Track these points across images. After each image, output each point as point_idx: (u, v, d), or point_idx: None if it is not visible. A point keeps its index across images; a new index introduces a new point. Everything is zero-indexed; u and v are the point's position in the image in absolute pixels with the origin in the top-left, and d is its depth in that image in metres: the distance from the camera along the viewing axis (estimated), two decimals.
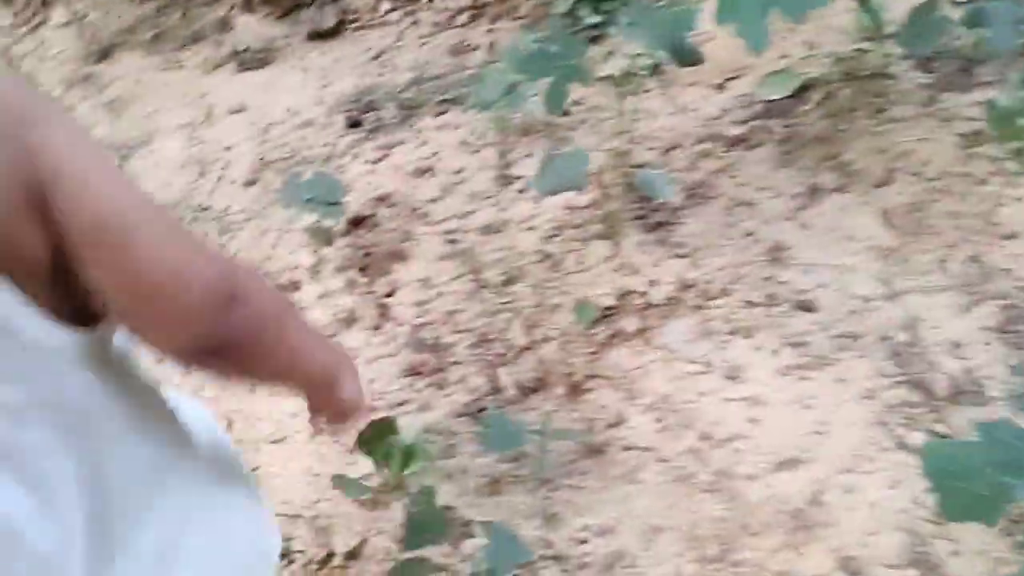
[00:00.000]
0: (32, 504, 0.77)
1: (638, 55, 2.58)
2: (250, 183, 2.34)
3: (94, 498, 0.85)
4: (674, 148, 2.29)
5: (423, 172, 2.24)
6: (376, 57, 2.58)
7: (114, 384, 0.86)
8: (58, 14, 2.70)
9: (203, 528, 1.02)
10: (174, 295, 0.79)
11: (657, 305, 2.00)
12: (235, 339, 0.85)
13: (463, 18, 2.61)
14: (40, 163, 0.72)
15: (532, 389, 1.95)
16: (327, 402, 1.04)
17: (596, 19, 2.59)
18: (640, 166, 2.12)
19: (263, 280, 0.92)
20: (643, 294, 2.00)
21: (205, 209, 2.31)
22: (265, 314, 0.87)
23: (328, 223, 1.95)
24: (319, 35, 2.60)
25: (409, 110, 2.45)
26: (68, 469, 0.81)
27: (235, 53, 2.58)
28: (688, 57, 1.75)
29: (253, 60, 2.56)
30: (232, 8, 2.65)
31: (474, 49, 2.60)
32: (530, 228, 2.13)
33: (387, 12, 2.62)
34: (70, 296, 0.78)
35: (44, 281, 0.76)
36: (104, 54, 2.60)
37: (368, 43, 2.61)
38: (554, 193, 1.91)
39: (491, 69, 2.00)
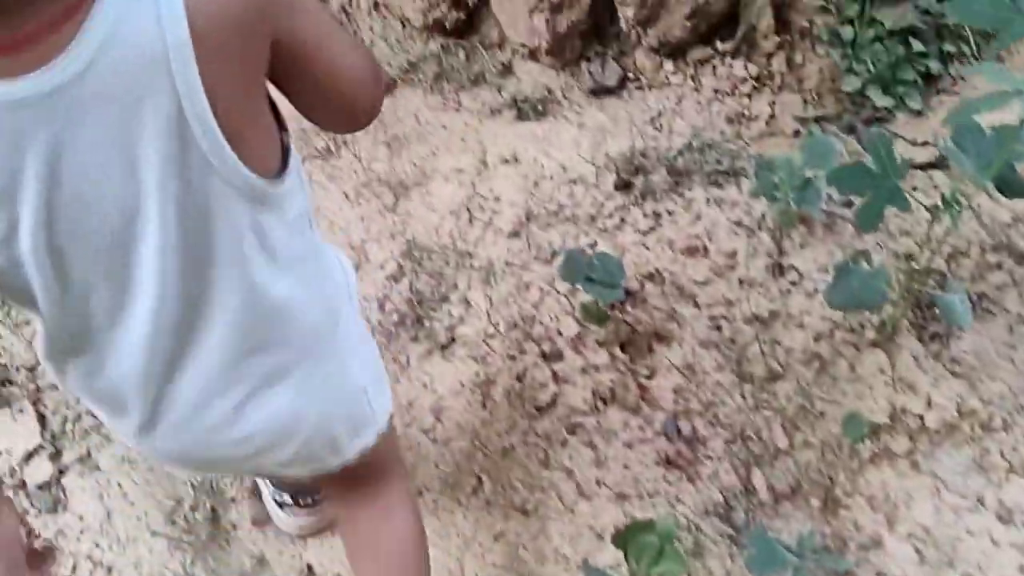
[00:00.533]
0: None
1: (924, 143, 2.54)
2: (514, 235, 2.44)
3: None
4: (960, 255, 2.24)
5: (694, 251, 2.28)
6: (653, 119, 2.63)
7: (288, 224, 1.11)
8: None
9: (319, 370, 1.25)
10: (362, 89, 1.11)
11: (931, 429, 1.97)
12: (380, 103, 1.17)
13: (746, 87, 2.63)
14: (284, 8, 0.98)
15: (785, 496, 1.96)
16: None
17: (886, 102, 2.55)
18: (925, 272, 2.08)
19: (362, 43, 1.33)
20: (917, 416, 1.98)
21: (469, 256, 2.41)
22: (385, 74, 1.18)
23: (604, 303, 2.02)
24: (599, 91, 2.67)
25: (680, 176, 2.49)
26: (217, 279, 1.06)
27: (514, 101, 2.68)
28: (1018, 190, 1.71)
29: (531, 110, 2.66)
30: (515, 54, 2.75)
31: (753, 119, 2.61)
32: (800, 325, 2.14)
33: (670, 74, 2.66)
34: (271, 131, 1.06)
35: (259, 107, 1.03)
36: (387, 87, 2.75)
37: (647, 104, 2.66)
38: (847, 309, 1.91)
39: (783, 159, 2.01)
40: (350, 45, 1.12)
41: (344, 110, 1.15)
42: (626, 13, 2.56)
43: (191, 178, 0.95)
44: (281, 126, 1.11)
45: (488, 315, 2.29)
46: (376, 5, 2.88)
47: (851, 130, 2.60)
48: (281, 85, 1.06)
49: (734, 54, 2.67)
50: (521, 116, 2.69)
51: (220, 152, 0.95)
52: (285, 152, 1.10)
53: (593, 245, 2.39)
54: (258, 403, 1.20)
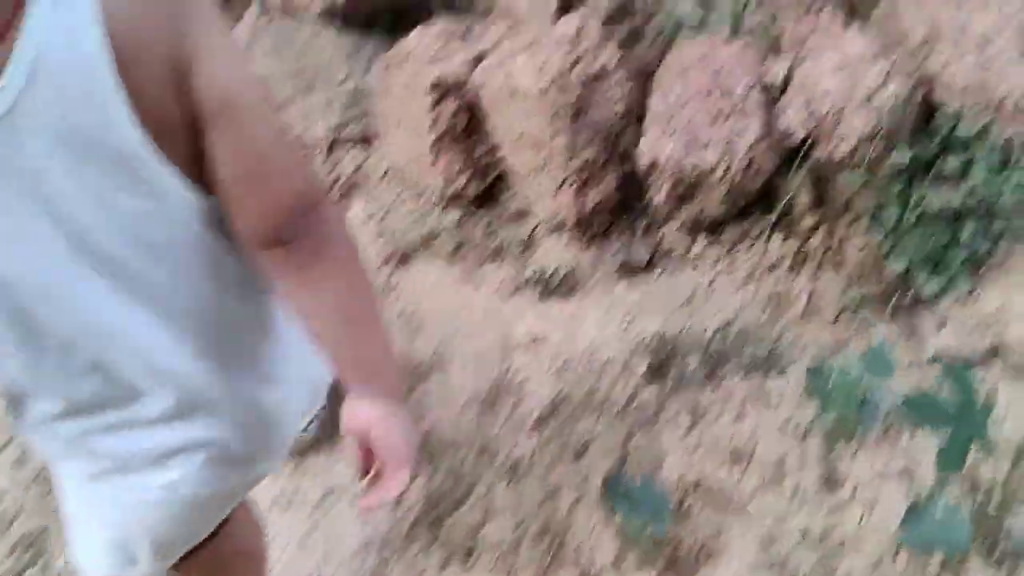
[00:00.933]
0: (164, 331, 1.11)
1: (974, 328, 2.44)
2: (540, 425, 2.31)
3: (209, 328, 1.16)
4: None
5: (740, 457, 2.15)
6: (685, 300, 2.52)
7: (221, 247, 1.11)
8: (358, 208, 2.78)
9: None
10: (272, 180, 1.04)
11: None
12: (304, 239, 1.07)
13: (784, 267, 2.52)
14: (186, 46, 0.95)
15: None
16: (370, 424, 1.16)
17: (935, 287, 2.44)
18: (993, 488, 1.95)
19: (345, 222, 1.18)
20: None
21: (492, 451, 2.28)
22: (334, 238, 1.10)
23: (654, 532, 1.88)
24: (628, 268, 2.55)
25: (716, 364, 2.38)
26: (188, 302, 1.12)
27: (538, 277, 2.56)
28: None
29: (556, 287, 2.55)
30: (538, 226, 2.64)
31: (792, 301, 2.50)
32: (857, 548, 1.99)
33: (703, 251, 2.55)
34: (202, 169, 1.02)
35: (184, 151, 0.99)
36: (403, 259, 2.64)
37: (679, 283, 2.56)
38: (927, 550, 1.77)
39: (838, 371, 1.89)
40: (282, 134, 1.07)
41: (254, 200, 1.06)
42: (659, 194, 2.46)
43: (132, 203, 0.98)
44: None
45: (514, 521, 2.14)
46: (388, 173, 2.78)
47: (896, 314, 2.49)
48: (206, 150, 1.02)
49: (771, 231, 2.57)
50: (546, 294, 2.57)
51: (159, 172, 0.98)
52: None
53: (628, 439, 2.25)
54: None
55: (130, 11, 0.91)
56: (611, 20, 2.79)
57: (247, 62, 1.06)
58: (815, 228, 2.57)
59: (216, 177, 1.02)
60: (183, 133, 0.99)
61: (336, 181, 2.80)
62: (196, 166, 1.02)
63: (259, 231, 1.07)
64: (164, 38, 0.94)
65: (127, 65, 0.90)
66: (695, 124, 2.40)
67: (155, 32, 0.94)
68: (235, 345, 1.20)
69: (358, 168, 2.80)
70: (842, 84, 2.41)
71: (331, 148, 2.85)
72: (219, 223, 1.08)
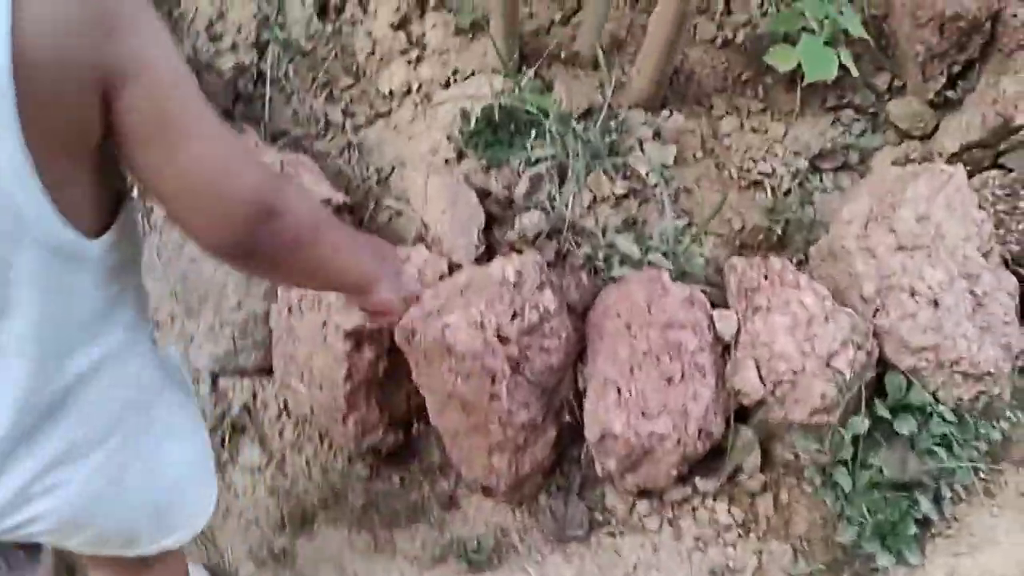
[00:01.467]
0: None
1: None
2: None
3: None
4: None
5: None
6: (627, 573, 2.29)
7: (102, 290, 1.07)
8: (249, 454, 2.43)
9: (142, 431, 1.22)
10: (217, 197, 0.99)
11: None
12: (268, 248, 1.04)
13: (731, 535, 2.35)
14: (121, 56, 0.90)
15: None
16: (366, 303, 1.32)
17: (886, 560, 2.31)
18: None
19: (304, 193, 1.18)
20: None
21: None
22: (301, 227, 1.07)
23: None
24: (563, 536, 2.32)
25: None
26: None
27: (461, 544, 2.29)
28: None
29: (482, 558, 2.29)
30: (459, 482, 2.37)
31: (740, 572, 2.32)
32: None
33: (645, 517, 2.35)
34: (102, 189, 1.01)
35: (89, 167, 0.97)
36: (302, 520, 2.31)
37: (619, 553, 2.35)
38: None
39: None
40: (223, 143, 1.01)
41: (201, 219, 1.02)
42: (607, 465, 2.25)
43: None
44: (120, 188, 1.08)
45: None
46: (285, 410, 2.46)
47: None
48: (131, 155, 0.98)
49: (716, 495, 2.39)
50: (471, 567, 2.30)
51: (34, 200, 0.91)
52: (114, 212, 1.06)
53: None
54: (47, 485, 1.13)
55: (48, 17, 0.85)
56: (534, 242, 2.59)
57: (188, 77, 0.98)
58: (761, 491, 2.41)
59: (161, 196, 1.00)
60: (95, 151, 0.96)
61: (222, 418, 2.45)
62: (101, 191, 1.01)
63: (216, 247, 1.04)
64: (89, 50, 0.89)
65: (28, 70, 0.84)
66: (647, 391, 2.20)
67: (78, 44, 0.88)
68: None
69: (247, 407, 2.46)
70: (798, 346, 2.27)
71: (215, 381, 2.50)
72: (86, 269, 1.04)
